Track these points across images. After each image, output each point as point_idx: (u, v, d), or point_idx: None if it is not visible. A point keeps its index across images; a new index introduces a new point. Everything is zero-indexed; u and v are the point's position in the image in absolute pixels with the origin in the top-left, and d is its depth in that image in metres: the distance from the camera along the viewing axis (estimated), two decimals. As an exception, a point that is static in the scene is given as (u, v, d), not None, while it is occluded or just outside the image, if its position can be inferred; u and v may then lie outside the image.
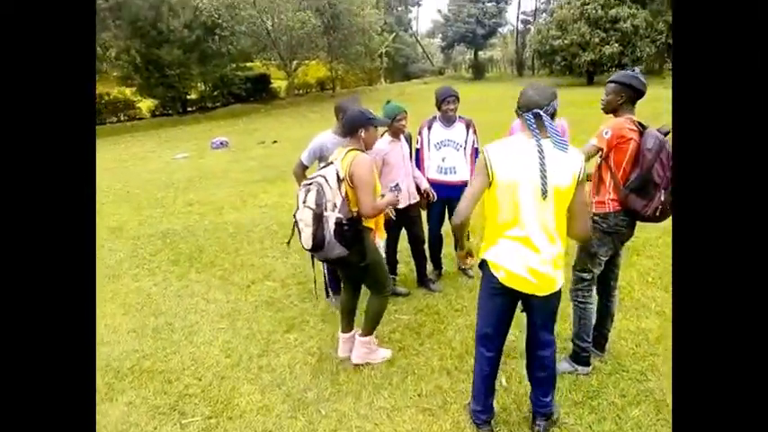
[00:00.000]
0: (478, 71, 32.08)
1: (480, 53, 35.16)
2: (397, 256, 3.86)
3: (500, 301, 2.10)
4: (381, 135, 3.55)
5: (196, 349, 3.17)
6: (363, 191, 2.48)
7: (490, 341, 2.20)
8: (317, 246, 2.47)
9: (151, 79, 20.05)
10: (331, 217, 2.44)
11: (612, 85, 2.53)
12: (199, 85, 22.79)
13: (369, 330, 2.84)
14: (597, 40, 22.07)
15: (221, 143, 12.84)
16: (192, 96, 22.83)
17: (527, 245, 1.97)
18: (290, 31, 19.98)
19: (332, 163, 2.56)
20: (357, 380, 2.74)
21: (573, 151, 1.95)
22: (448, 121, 3.64)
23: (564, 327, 3.16)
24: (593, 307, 2.71)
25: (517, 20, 35.38)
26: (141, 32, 19.19)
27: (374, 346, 2.90)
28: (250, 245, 5.20)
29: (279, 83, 25.18)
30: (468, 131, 3.70)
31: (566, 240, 2.03)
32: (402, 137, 3.54)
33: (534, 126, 1.91)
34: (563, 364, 2.78)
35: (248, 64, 24.14)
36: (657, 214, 2.41)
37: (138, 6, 18.94)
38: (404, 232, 3.72)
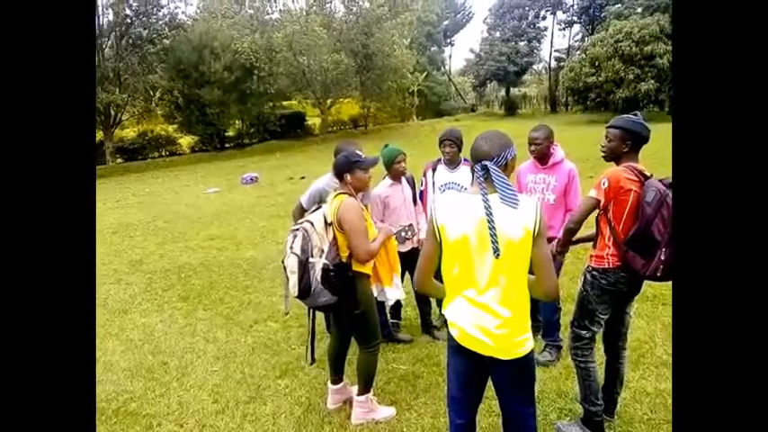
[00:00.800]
0: (511, 108, 32.04)
1: (513, 90, 35.24)
2: (401, 300, 3.72)
3: (462, 361, 1.92)
4: (383, 177, 3.49)
5: (185, 392, 3.09)
6: (354, 235, 2.38)
7: (459, 406, 2.00)
8: (303, 292, 2.39)
9: (192, 117, 21.04)
10: (318, 263, 2.36)
11: (616, 131, 2.36)
12: (237, 122, 23.72)
13: (363, 389, 2.67)
14: (632, 76, 21.73)
15: (251, 179, 13.17)
16: (230, 133, 23.74)
17: (482, 308, 1.80)
18: (325, 71, 20.67)
19: (320, 207, 2.51)
20: (341, 436, 2.58)
21: (525, 203, 1.76)
22: (451, 163, 3.54)
23: (571, 385, 2.91)
24: (595, 366, 2.47)
25: (550, 57, 35.42)
26: (184, 74, 20.30)
27: (374, 404, 2.72)
28: (260, 282, 5.18)
29: (313, 120, 25.89)
30: (473, 175, 3.58)
31: (527, 300, 1.84)
32: (404, 179, 3.47)
33: (482, 179, 1.77)
34: (573, 429, 2.54)
35: (284, 102, 25.02)
36: (658, 274, 2.19)
37: (181, 50, 20.14)
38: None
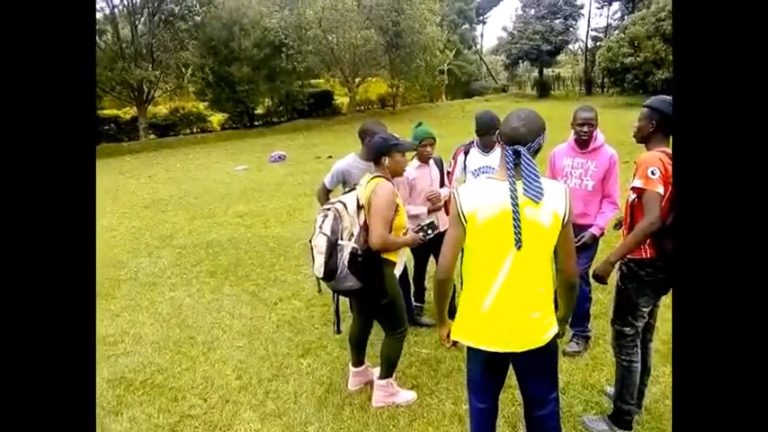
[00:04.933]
0: (543, 89, 31.09)
1: (546, 71, 34.11)
2: (425, 284, 3.69)
3: (480, 360, 1.88)
4: (411, 159, 3.41)
5: (210, 367, 3.15)
6: (375, 218, 2.32)
7: (480, 391, 1.97)
8: (329, 275, 2.35)
9: (222, 94, 21.18)
10: (347, 246, 2.31)
11: (645, 110, 2.25)
12: (266, 100, 23.78)
13: (386, 374, 2.65)
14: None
15: (279, 157, 13.23)
16: (259, 111, 23.84)
17: (506, 299, 1.74)
18: (354, 48, 20.41)
19: (354, 189, 2.43)
20: (361, 418, 2.58)
21: (554, 189, 1.68)
22: (486, 146, 3.43)
23: (598, 377, 2.84)
24: (639, 365, 2.37)
25: (587, 36, 34.01)
26: (215, 51, 20.38)
27: (395, 387, 2.71)
28: (286, 260, 5.22)
29: (341, 99, 25.72)
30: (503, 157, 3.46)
31: (551, 287, 1.79)
32: (432, 161, 3.38)
33: (512, 164, 1.67)
34: (599, 424, 2.47)
35: (313, 81, 24.90)
36: None
37: (212, 27, 20.18)
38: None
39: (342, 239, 2.31)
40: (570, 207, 1.71)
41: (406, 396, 2.70)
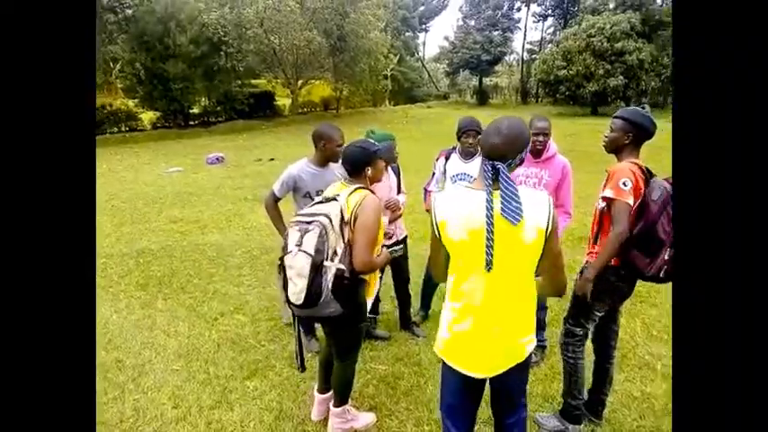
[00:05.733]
0: (483, 97, 32.14)
1: (485, 80, 35.29)
2: (379, 294, 3.52)
3: (457, 381, 1.75)
4: None
5: (142, 395, 2.79)
6: (362, 237, 2.04)
7: (458, 415, 1.83)
8: (310, 301, 2.01)
9: (155, 92, 19.98)
10: (331, 268, 1.99)
11: (620, 121, 2.24)
12: (202, 99, 22.73)
13: (341, 400, 2.43)
14: (602, 71, 22.13)
15: (217, 159, 12.61)
16: (195, 110, 22.75)
17: (485, 317, 1.63)
18: (297, 50, 20.00)
19: (335, 199, 2.09)
20: (317, 446, 2.37)
21: (537, 198, 1.58)
22: (467, 155, 3.34)
23: (558, 387, 2.79)
24: (584, 363, 2.41)
25: (523, 49, 35.66)
26: (147, 46, 19.20)
27: (351, 413, 2.49)
28: (227, 270, 4.86)
29: (283, 101, 25.14)
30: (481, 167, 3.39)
31: (533, 301, 1.68)
32: (389, 168, 3.24)
33: (489, 177, 1.55)
34: (551, 420, 2.48)
35: (253, 81, 24.12)
36: (661, 275, 2.08)
37: (145, 21, 19.02)
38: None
39: (326, 260, 2.01)
40: (554, 218, 1.60)
41: (365, 419, 2.50)
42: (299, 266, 1.99)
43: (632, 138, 2.21)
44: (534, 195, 1.59)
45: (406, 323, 3.54)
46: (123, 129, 20.75)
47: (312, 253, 1.97)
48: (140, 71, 19.62)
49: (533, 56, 33.18)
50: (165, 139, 18.62)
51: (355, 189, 2.13)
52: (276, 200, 2.98)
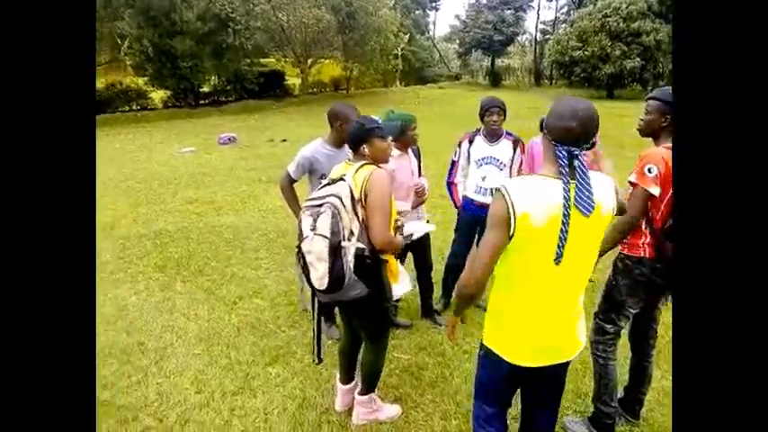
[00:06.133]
0: (495, 79, 31.58)
1: (497, 61, 34.64)
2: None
3: (506, 372, 1.69)
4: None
5: (165, 380, 2.79)
6: (377, 214, 1.99)
7: (493, 399, 1.79)
8: (335, 285, 1.94)
9: (164, 70, 19.77)
10: (350, 248, 1.94)
11: (656, 103, 2.10)
12: (212, 78, 22.51)
13: (368, 388, 2.40)
14: (618, 53, 21.57)
15: (229, 139, 12.52)
16: (205, 89, 22.55)
17: (556, 310, 1.61)
18: (305, 28, 19.67)
19: (342, 179, 2.05)
20: (342, 437, 2.35)
21: (605, 183, 1.57)
22: (492, 135, 3.24)
23: (590, 383, 2.74)
24: (615, 364, 2.29)
25: (536, 29, 34.83)
26: (154, 22, 18.94)
27: (377, 403, 2.46)
28: (244, 253, 4.83)
29: (293, 80, 24.83)
30: (515, 150, 3.31)
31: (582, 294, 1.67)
32: (410, 150, 3.15)
33: (566, 165, 1.46)
34: (579, 427, 2.39)
35: (262, 60, 23.83)
36: None
37: (151, -4, 18.75)
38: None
39: (344, 240, 1.96)
40: (616, 200, 1.62)
41: (390, 411, 2.48)
42: (317, 250, 1.95)
43: (670, 120, 2.07)
44: (601, 179, 1.57)
45: (427, 311, 3.49)
46: (134, 107, 20.67)
47: (328, 235, 1.92)
48: (148, 48, 19.39)
49: (547, 36, 32.43)
50: (177, 119, 18.53)
51: (361, 165, 2.07)
52: (291, 182, 2.92)
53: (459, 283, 1.60)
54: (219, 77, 22.44)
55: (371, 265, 2.01)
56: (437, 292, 3.60)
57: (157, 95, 21.56)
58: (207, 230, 5.55)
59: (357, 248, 1.95)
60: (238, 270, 4.40)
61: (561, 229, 1.45)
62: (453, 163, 3.45)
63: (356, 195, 1.99)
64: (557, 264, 1.48)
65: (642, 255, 2.12)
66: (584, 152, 1.49)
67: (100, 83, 20.73)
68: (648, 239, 2.10)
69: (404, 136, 2.95)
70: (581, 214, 1.46)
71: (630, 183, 2.07)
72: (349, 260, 1.94)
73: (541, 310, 1.59)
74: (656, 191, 1.98)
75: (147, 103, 21.07)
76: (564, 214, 1.44)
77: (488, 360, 1.71)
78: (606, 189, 1.55)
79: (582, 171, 1.46)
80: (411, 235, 2.54)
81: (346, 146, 2.89)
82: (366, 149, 2.11)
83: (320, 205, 1.98)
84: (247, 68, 22.16)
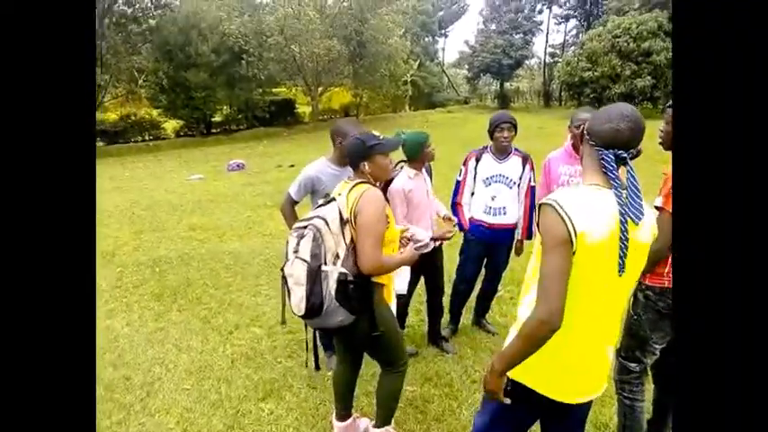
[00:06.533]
0: (504, 101, 31.61)
1: (506, 84, 34.80)
2: (408, 307, 3.24)
3: (527, 409, 1.50)
4: (397, 166, 2.99)
5: (148, 418, 2.57)
6: (365, 236, 1.83)
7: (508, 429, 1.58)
8: (312, 311, 1.82)
9: (177, 101, 20.21)
10: (332, 273, 1.80)
11: None
12: (224, 108, 22.92)
13: (385, 419, 2.17)
14: (629, 72, 21.46)
15: (238, 165, 12.57)
16: (217, 119, 22.95)
17: (602, 341, 1.42)
18: (317, 57, 19.97)
19: (334, 199, 1.92)
20: (338, 482, 2.09)
21: (646, 208, 1.39)
22: (501, 152, 3.04)
23: (609, 414, 2.47)
24: (643, 405, 2.03)
25: (545, 52, 35.01)
26: (170, 56, 19.46)
27: None
28: (244, 279, 4.65)
29: (303, 108, 25.18)
30: (524, 167, 3.09)
31: None
32: (424, 170, 2.96)
33: (615, 170, 1.30)
34: None
35: (274, 90, 24.23)
36: None
37: (168, 30, 19.28)
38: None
39: (325, 264, 1.81)
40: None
41: None
42: (296, 274, 1.82)
43: None
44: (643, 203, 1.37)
45: (434, 338, 3.25)
46: (147, 137, 21.06)
47: (308, 259, 1.79)
48: (163, 80, 19.89)
49: (555, 59, 32.58)
50: (188, 147, 18.77)
51: (355, 184, 1.91)
52: (293, 203, 2.75)
53: (530, 322, 1.30)
54: (231, 107, 22.86)
55: (359, 291, 1.82)
56: (445, 317, 3.36)
57: (170, 125, 21.99)
58: (208, 257, 5.40)
59: (340, 273, 1.79)
60: (237, 297, 4.21)
61: (621, 237, 1.28)
62: (458, 183, 3.22)
63: (345, 215, 1.84)
64: (621, 275, 1.31)
65: (665, 284, 1.86)
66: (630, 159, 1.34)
67: (115, 114, 21.22)
68: (669, 268, 1.84)
69: (421, 154, 2.77)
70: (633, 222, 1.29)
71: (657, 208, 1.79)
72: (330, 285, 1.79)
73: (590, 336, 1.40)
74: None
75: (159, 133, 21.48)
76: (621, 221, 1.28)
77: (514, 392, 1.44)
78: (648, 209, 1.39)
79: (632, 176, 1.30)
80: (427, 244, 2.37)
81: None
82: (366, 167, 1.96)
83: (304, 227, 1.85)
84: (259, 97, 22.59)
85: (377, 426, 2.17)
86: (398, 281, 2.33)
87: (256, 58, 19.95)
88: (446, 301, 3.37)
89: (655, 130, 1.95)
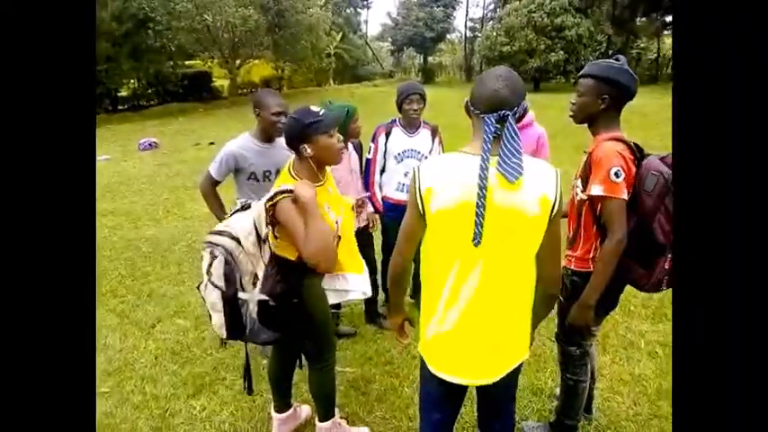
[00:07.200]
0: (428, 76, 31.97)
1: (429, 58, 35.13)
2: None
3: (437, 385, 1.48)
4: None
5: (60, 430, 2.30)
6: (296, 233, 1.67)
7: (438, 429, 1.60)
8: (234, 335, 1.71)
9: (75, 73, 18.23)
10: (251, 300, 1.66)
11: (590, 81, 1.74)
12: (131, 81, 21.03)
13: (327, 413, 2.07)
14: (543, 47, 22.44)
15: (150, 144, 11.61)
16: (124, 94, 21.05)
17: (475, 316, 1.36)
18: (233, 28, 18.78)
19: (249, 206, 1.73)
20: (281, 476, 2.00)
21: (543, 169, 1.30)
22: (411, 126, 2.92)
23: (545, 379, 2.57)
24: (587, 384, 2.06)
25: (465, 26, 35.65)
26: (63, 22, 17.40)
27: (343, 427, 2.14)
28: (164, 268, 4.31)
29: (221, 81, 23.76)
30: (433, 140, 2.98)
31: (531, 294, 1.41)
32: (351, 145, 2.83)
33: (490, 137, 1.23)
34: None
35: (187, 62, 22.56)
36: (663, 287, 1.74)
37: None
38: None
39: (243, 290, 1.66)
40: (561, 195, 1.31)
41: None
42: (210, 301, 1.67)
43: (609, 102, 1.72)
44: (540, 165, 1.32)
45: (371, 316, 3.20)
46: (41, 115, 18.86)
47: (221, 285, 1.64)
48: (57, 51, 17.78)
49: (476, 33, 33.28)
50: (91, 126, 17.04)
51: (275, 194, 1.70)
52: (214, 183, 2.53)
53: (388, 273, 1.50)
54: (140, 81, 21.01)
55: (283, 309, 1.71)
56: (381, 295, 3.32)
57: (69, 102, 19.83)
58: (122, 245, 4.94)
59: (260, 300, 1.67)
60: (158, 287, 3.89)
61: (477, 203, 1.22)
62: (368, 162, 3.02)
63: (262, 232, 1.67)
64: (476, 244, 1.25)
65: (593, 269, 1.79)
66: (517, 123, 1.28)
67: None
68: (598, 252, 1.78)
69: (346, 128, 2.63)
70: (505, 181, 1.23)
71: (594, 197, 1.71)
72: (251, 309, 1.67)
73: (463, 312, 1.35)
74: (626, 195, 1.67)
75: (56, 110, 19.31)
76: (480, 186, 1.22)
77: (425, 370, 1.50)
78: (546, 174, 1.30)
79: (511, 135, 1.23)
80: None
81: (278, 140, 2.53)
82: (308, 149, 1.73)
83: (217, 245, 1.66)
84: (170, 71, 20.93)
85: (322, 420, 2.08)
86: (356, 280, 2.17)
87: (164, 27, 18.36)
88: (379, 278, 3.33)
89: (566, 102, 1.93)
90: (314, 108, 1.79)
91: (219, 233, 1.68)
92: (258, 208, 1.69)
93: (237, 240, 1.64)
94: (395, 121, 2.98)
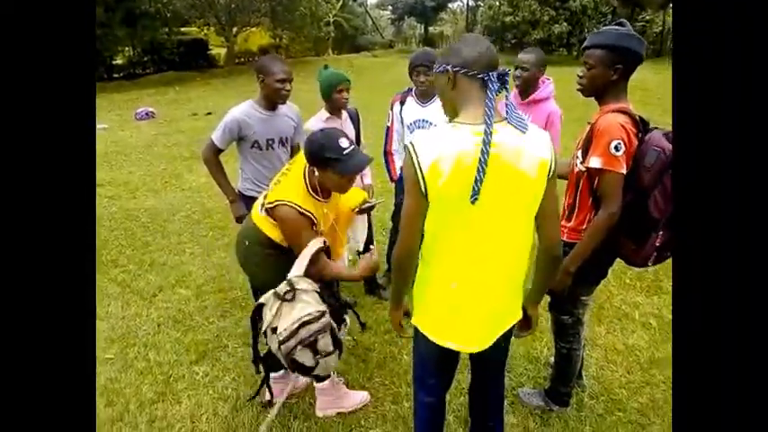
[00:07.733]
0: (429, 45, 31.36)
1: (431, 28, 34.40)
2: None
3: (436, 345, 1.51)
4: (320, 108, 2.82)
5: (66, 394, 2.35)
6: (294, 240, 1.84)
7: (431, 388, 1.65)
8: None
9: (68, 39, 17.81)
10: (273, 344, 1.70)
11: (599, 52, 1.69)
12: (126, 49, 20.58)
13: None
14: (547, 18, 21.96)
15: (147, 113, 11.46)
16: (119, 61, 20.63)
17: (474, 286, 1.38)
18: (229, -7, 18.31)
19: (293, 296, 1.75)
20: (283, 438, 2.06)
21: (538, 132, 1.32)
22: (423, 96, 2.89)
23: (540, 348, 2.63)
24: (580, 353, 2.12)
25: (468, -6, 34.78)
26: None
27: (340, 389, 2.19)
28: (165, 238, 4.32)
29: (218, 50, 23.26)
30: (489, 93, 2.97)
31: (526, 259, 1.44)
32: (345, 113, 2.80)
33: (494, 93, 1.23)
34: (535, 399, 2.24)
35: (183, 29, 22.03)
36: (650, 264, 1.77)
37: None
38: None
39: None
40: (556, 158, 1.33)
41: (356, 398, 2.22)
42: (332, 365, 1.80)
43: (620, 71, 1.68)
44: (535, 128, 1.33)
45: (371, 286, 3.24)
46: (35, 83, 18.52)
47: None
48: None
49: (478, 2, 32.48)
50: (86, 94, 16.77)
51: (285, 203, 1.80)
52: (217, 152, 2.51)
53: (393, 250, 1.42)
54: (135, 48, 20.55)
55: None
56: (381, 266, 3.35)
57: (63, 69, 19.44)
58: (121, 216, 4.94)
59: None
60: (158, 257, 3.91)
61: (480, 159, 1.20)
62: (387, 129, 3.05)
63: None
64: (473, 201, 1.24)
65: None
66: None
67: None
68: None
69: (329, 96, 2.60)
70: (518, 131, 1.26)
71: (592, 169, 1.69)
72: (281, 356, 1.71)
73: (461, 278, 1.37)
74: (625, 170, 1.66)
75: (50, 77, 18.95)
76: (485, 141, 1.21)
77: (419, 339, 1.53)
78: (542, 139, 1.31)
79: (508, 91, 1.30)
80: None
81: (281, 108, 2.51)
82: (316, 173, 1.80)
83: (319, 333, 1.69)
84: (165, 38, 20.44)
85: (319, 379, 2.12)
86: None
87: (159, -8, 17.89)
88: (380, 250, 3.36)
89: (569, 75, 1.91)
90: (343, 142, 1.75)
91: (307, 324, 1.65)
92: (297, 267, 1.75)
93: (323, 312, 1.69)
94: (410, 90, 2.95)
